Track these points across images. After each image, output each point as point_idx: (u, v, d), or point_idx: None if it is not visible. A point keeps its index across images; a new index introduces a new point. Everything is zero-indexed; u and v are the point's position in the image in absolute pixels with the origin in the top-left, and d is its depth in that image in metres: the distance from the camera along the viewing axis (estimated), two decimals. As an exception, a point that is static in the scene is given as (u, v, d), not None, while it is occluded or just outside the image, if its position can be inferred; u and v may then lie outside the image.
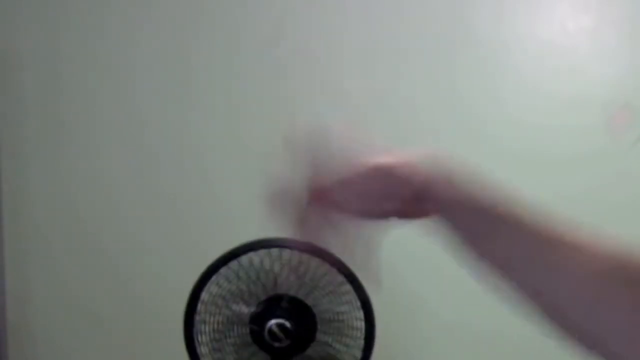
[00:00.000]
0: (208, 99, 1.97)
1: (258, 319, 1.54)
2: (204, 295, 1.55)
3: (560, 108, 2.01)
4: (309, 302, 1.56)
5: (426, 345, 2.00)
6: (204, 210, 1.96)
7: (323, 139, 0.61)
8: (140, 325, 1.94)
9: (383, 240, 0.62)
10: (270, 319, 1.53)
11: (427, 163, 0.62)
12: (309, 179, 0.60)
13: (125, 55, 1.96)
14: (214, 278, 1.55)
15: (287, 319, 1.53)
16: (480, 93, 2.01)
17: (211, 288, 1.56)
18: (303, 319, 1.56)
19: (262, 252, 1.55)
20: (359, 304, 1.56)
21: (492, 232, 0.58)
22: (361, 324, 1.57)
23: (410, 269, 1.96)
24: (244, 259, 1.55)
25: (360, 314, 1.56)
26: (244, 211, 1.96)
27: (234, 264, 1.55)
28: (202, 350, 1.56)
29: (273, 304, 1.55)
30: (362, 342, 1.57)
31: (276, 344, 1.52)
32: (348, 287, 1.55)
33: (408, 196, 0.60)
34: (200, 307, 1.55)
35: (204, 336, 1.56)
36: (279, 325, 1.52)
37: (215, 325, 1.57)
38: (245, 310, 1.55)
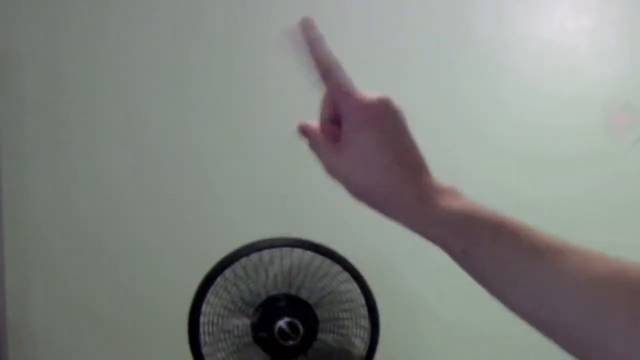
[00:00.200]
0: (208, 99, 1.97)
1: (262, 324, 1.53)
2: (209, 297, 1.54)
3: (560, 108, 2.01)
4: (311, 301, 1.56)
5: (426, 345, 2.00)
6: (204, 210, 1.96)
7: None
8: (140, 325, 1.94)
9: None
10: (275, 320, 1.52)
11: None
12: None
13: (125, 55, 1.96)
14: (219, 279, 1.54)
15: (292, 317, 1.52)
16: (480, 93, 2.01)
17: (217, 290, 1.55)
18: (304, 314, 1.55)
19: (264, 252, 1.54)
20: (362, 301, 1.55)
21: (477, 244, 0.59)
22: (365, 322, 1.57)
23: (410, 269, 1.97)
24: (243, 260, 1.55)
25: (365, 311, 1.56)
26: (244, 211, 1.97)
27: (237, 264, 1.54)
28: (206, 350, 1.55)
29: (271, 306, 1.54)
30: (367, 339, 1.57)
31: (290, 343, 1.50)
32: (351, 284, 1.55)
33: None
34: (205, 307, 1.54)
35: (207, 337, 1.55)
36: (289, 324, 1.51)
37: (219, 326, 1.56)
38: (247, 321, 1.54)
